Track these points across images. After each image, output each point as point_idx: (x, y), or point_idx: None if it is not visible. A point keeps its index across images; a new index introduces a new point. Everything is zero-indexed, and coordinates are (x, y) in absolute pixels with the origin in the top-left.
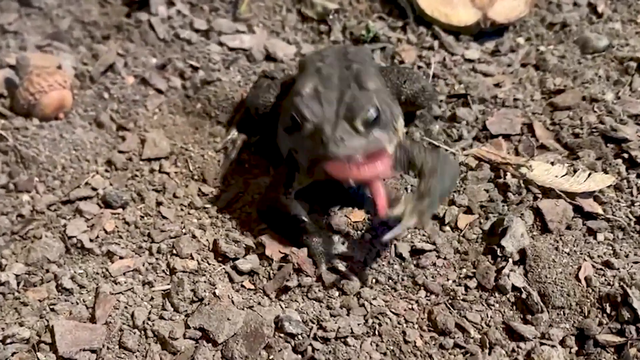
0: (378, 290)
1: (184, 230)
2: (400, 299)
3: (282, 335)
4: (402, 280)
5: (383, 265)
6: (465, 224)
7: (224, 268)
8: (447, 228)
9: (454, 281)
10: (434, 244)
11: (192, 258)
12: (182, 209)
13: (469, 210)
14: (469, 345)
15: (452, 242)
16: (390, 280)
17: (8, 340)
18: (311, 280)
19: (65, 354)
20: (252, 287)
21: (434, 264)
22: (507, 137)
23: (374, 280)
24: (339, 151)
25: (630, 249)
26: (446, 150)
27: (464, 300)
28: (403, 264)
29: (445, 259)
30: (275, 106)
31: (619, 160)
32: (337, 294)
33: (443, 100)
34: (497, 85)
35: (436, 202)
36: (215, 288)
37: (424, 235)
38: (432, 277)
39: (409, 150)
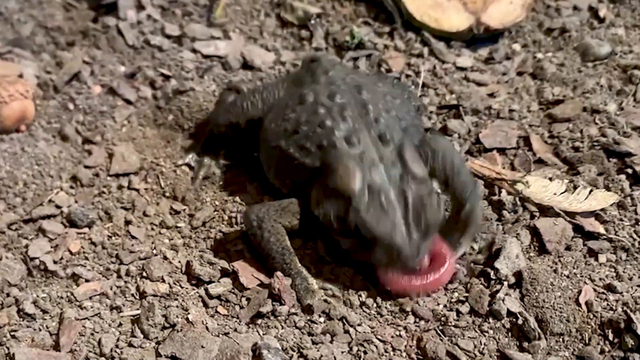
0: (363, 315)
1: (154, 251)
2: (387, 324)
3: None
4: (389, 305)
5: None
6: None
7: (197, 292)
8: None
9: (445, 306)
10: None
11: (164, 281)
12: (152, 229)
13: None
14: None
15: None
16: (375, 305)
17: None
18: (288, 309)
19: None
20: (227, 312)
21: None
22: (502, 151)
23: (358, 304)
24: (416, 264)
25: (634, 272)
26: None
27: (455, 326)
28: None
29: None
30: (250, 123)
31: (622, 176)
32: (320, 319)
33: (433, 112)
34: (492, 95)
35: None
36: (188, 313)
37: None
38: (421, 302)
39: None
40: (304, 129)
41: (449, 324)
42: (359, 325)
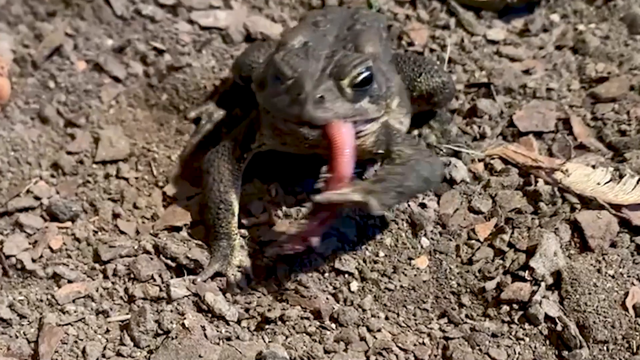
0: (381, 319)
1: (146, 248)
2: (409, 331)
3: None
4: (411, 307)
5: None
6: (484, 235)
7: (194, 293)
8: (464, 247)
9: (472, 308)
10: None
11: (155, 282)
12: (143, 222)
13: (490, 221)
14: None
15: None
16: (394, 307)
17: None
18: (298, 313)
19: None
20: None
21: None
22: (538, 135)
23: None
24: (316, 113)
25: None
26: (469, 154)
27: (485, 333)
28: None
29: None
30: None
31: None
32: (333, 325)
33: (461, 91)
34: (527, 72)
35: (392, 192)
36: (184, 318)
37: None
38: (446, 303)
39: (392, 136)
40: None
41: (478, 330)
42: (377, 331)
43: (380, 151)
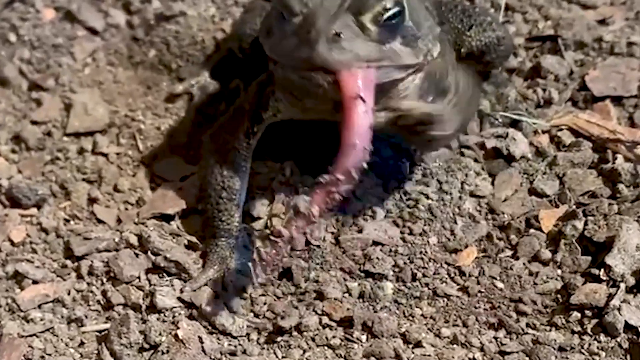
0: (421, 329)
1: (130, 241)
2: (457, 344)
3: None
4: (462, 314)
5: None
6: (549, 225)
7: (189, 297)
8: (524, 239)
9: (535, 316)
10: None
11: (140, 283)
12: (126, 209)
13: (557, 208)
14: None
15: (536, 251)
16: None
17: None
18: (317, 320)
19: None
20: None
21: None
22: (617, 100)
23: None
24: (331, 54)
25: None
26: (531, 124)
27: (550, 345)
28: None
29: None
30: None
31: None
32: (363, 336)
33: (521, 46)
34: (602, 22)
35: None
36: (178, 328)
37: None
38: (504, 304)
39: (442, 79)
40: None
41: (542, 342)
42: (416, 345)
43: (427, 110)
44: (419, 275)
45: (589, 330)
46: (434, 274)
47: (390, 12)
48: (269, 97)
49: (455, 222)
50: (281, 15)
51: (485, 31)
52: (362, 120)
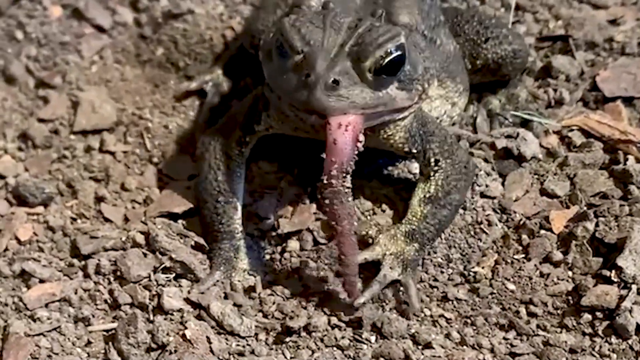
0: (431, 330)
1: (137, 240)
2: (467, 346)
3: None
4: (472, 315)
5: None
6: (560, 226)
7: (197, 298)
8: (535, 241)
9: (546, 318)
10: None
11: (148, 283)
12: (133, 208)
13: (568, 209)
14: None
15: (548, 253)
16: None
17: None
18: (326, 321)
19: None
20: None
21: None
22: (628, 100)
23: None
24: (328, 102)
25: None
26: (542, 124)
27: (561, 347)
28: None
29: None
30: None
31: None
32: (372, 337)
33: (532, 46)
34: (614, 22)
35: (428, 242)
36: (185, 328)
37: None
38: (515, 305)
39: (427, 131)
40: None
41: (553, 344)
42: (426, 346)
43: (413, 150)
44: (428, 276)
45: (600, 332)
46: (447, 275)
47: (392, 57)
48: (262, 113)
49: (469, 224)
50: (281, 48)
51: (502, 44)
52: (346, 152)
